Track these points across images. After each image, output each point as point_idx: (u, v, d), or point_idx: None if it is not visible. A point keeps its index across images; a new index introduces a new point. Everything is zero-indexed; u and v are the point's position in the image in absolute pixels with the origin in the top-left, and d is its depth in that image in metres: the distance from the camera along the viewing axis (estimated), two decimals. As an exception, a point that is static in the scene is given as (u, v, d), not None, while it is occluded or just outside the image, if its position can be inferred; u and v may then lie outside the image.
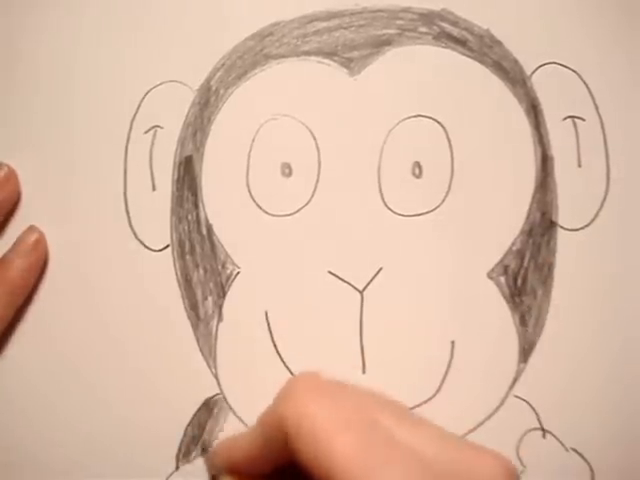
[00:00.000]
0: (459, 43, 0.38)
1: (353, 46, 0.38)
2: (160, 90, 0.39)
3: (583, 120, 0.38)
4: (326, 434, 0.25)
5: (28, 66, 0.39)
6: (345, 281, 0.37)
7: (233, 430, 0.36)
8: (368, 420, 0.27)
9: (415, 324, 0.37)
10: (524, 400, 0.37)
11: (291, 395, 0.27)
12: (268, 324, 0.37)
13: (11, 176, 0.38)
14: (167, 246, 0.38)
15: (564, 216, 0.38)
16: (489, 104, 0.38)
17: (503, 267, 0.37)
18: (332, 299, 0.37)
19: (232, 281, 0.38)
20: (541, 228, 0.38)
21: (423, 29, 0.38)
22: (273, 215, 0.38)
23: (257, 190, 0.38)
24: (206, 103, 0.38)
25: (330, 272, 0.37)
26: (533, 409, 0.37)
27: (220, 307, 0.38)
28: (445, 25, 0.38)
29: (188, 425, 0.37)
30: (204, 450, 0.32)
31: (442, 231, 0.37)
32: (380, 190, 0.38)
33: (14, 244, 0.38)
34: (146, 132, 0.38)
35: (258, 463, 0.29)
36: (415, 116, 0.38)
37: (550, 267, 0.37)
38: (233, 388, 0.37)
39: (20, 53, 0.39)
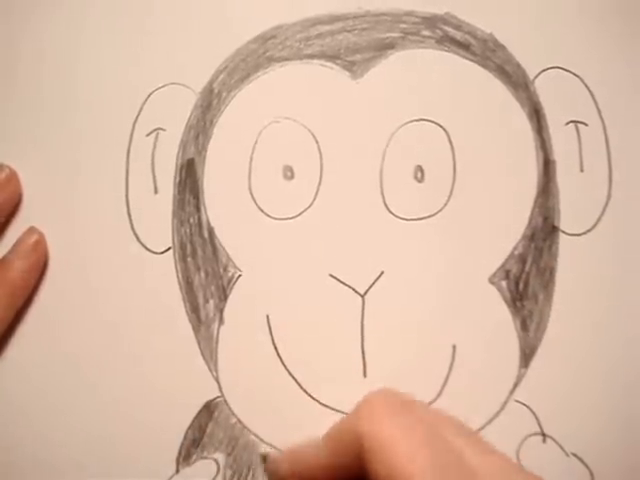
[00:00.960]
0: (462, 47, 0.38)
1: (356, 49, 0.38)
2: (162, 92, 0.38)
3: (585, 125, 0.38)
4: (404, 455, 0.25)
5: (30, 68, 0.39)
6: (346, 285, 0.37)
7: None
8: (442, 442, 0.27)
9: (416, 328, 0.37)
10: (525, 405, 0.37)
11: (369, 412, 0.27)
12: (269, 327, 0.37)
13: (12, 177, 0.38)
14: (169, 249, 0.38)
15: (566, 221, 0.38)
16: (492, 108, 0.38)
17: (505, 272, 0.37)
18: (333, 303, 0.37)
19: (233, 284, 0.38)
20: (543, 233, 0.38)
21: (426, 33, 0.38)
22: (275, 218, 0.38)
23: (259, 193, 0.38)
24: (208, 106, 0.38)
25: (331, 276, 0.37)
26: (534, 414, 0.37)
27: (221, 310, 0.38)
28: (448, 29, 0.38)
29: (188, 428, 0.37)
30: (264, 458, 0.32)
31: (444, 235, 0.37)
32: (382, 194, 0.38)
33: (14, 245, 0.38)
34: (148, 134, 0.38)
35: (323, 476, 0.29)
36: (417, 120, 0.38)
37: (552, 272, 0.37)
38: (234, 391, 0.37)
39: (22, 54, 0.39)
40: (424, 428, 0.27)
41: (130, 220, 0.38)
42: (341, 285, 0.37)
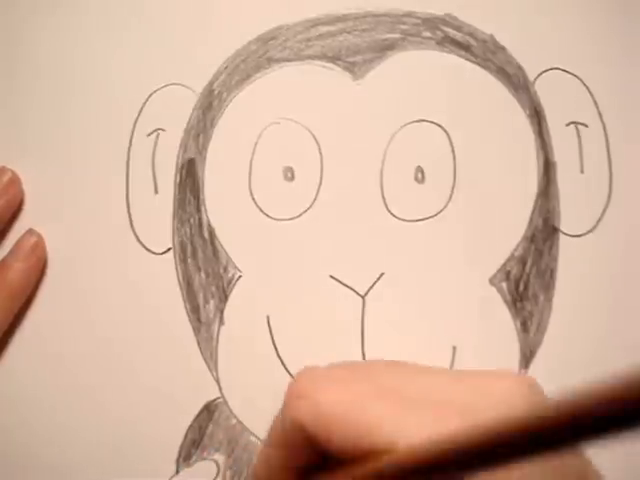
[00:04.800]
0: (462, 48, 0.38)
1: (356, 50, 0.38)
2: (163, 93, 0.38)
3: (586, 126, 0.38)
4: (351, 412, 0.26)
5: (30, 69, 0.39)
6: (347, 286, 0.37)
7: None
8: (381, 387, 0.27)
9: (417, 329, 0.37)
10: (525, 406, 0.37)
11: (300, 397, 0.27)
12: (269, 328, 0.37)
13: (15, 180, 0.38)
14: (169, 249, 0.38)
15: (566, 222, 0.38)
16: (492, 109, 0.38)
17: (505, 273, 0.37)
18: (334, 304, 0.37)
19: (234, 285, 0.38)
20: (543, 234, 0.38)
21: (427, 34, 0.38)
22: (275, 219, 0.38)
23: (259, 194, 0.38)
24: (209, 106, 0.38)
25: (332, 277, 0.37)
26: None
27: (221, 311, 0.38)
28: (449, 30, 0.38)
29: (188, 429, 0.37)
30: None
31: (444, 236, 0.37)
32: (382, 195, 0.38)
33: (13, 247, 0.38)
34: (149, 135, 0.38)
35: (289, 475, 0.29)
36: (418, 121, 0.38)
37: (552, 273, 0.37)
38: (234, 392, 0.37)
39: (22, 55, 0.39)
40: (360, 381, 0.27)
41: (130, 220, 0.38)
42: (341, 286, 0.37)
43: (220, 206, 0.38)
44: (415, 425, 0.25)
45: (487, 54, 0.38)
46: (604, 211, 0.37)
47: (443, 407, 0.26)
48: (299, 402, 0.27)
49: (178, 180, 0.38)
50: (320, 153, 0.38)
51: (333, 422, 0.26)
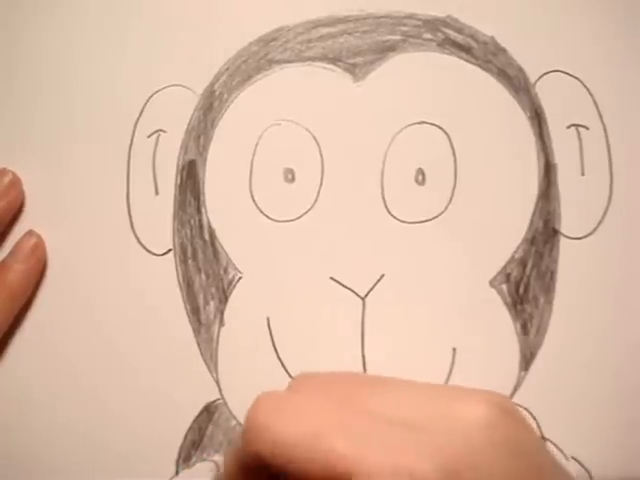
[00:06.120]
0: (463, 50, 0.38)
1: (357, 52, 0.38)
2: (164, 94, 0.38)
3: (587, 128, 0.38)
4: (310, 445, 0.26)
5: (31, 70, 0.39)
6: (347, 287, 0.37)
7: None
8: (345, 414, 0.27)
9: (417, 331, 0.37)
10: (525, 408, 0.37)
11: (258, 427, 0.27)
12: (269, 330, 0.37)
13: (15, 182, 0.38)
14: (169, 250, 0.38)
15: (567, 224, 0.38)
16: (493, 111, 0.38)
17: (505, 275, 0.37)
18: (334, 305, 0.37)
19: (234, 286, 0.38)
20: (544, 236, 0.38)
21: (427, 35, 0.38)
22: (276, 221, 0.38)
23: (260, 195, 0.38)
24: (210, 107, 0.38)
25: (332, 278, 0.37)
26: (534, 417, 0.37)
27: (222, 312, 0.38)
28: (449, 32, 0.38)
29: (188, 430, 0.37)
30: None
31: (444, 238, 0.37)
32: (383, 196, 0.38)
33: (12, 249, 0.38)
34: (149, 136, 0.38)
35: None
36: (419, 123, 0.38)
37: (552, 275, 0.37)
38: (234, 393, 0.37)
39: (23, 56, 0.39)
40: (322, 403, 0.27)
41: (131, 222, 0.38)
42: (342, 288, 0.37)
43: (221, 207, 0.38)
44: (374, 461, 0.25)
45: (488, 56, 0.38)
46: (605, 213, 0.37)
47: (406, 435, 0.26)
48: (258, 433, 0.27)
49: (179, 181, 0.38)
50: (321, 155, 0.38)
51: (292, 454, 0.26)
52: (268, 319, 0.37)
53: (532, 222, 0.38)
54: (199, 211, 0.38)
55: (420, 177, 0.38)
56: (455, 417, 0.26)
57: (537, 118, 0.38)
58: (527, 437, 0.28)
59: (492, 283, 0.37)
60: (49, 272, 0.38)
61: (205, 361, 0.37)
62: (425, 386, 0.29)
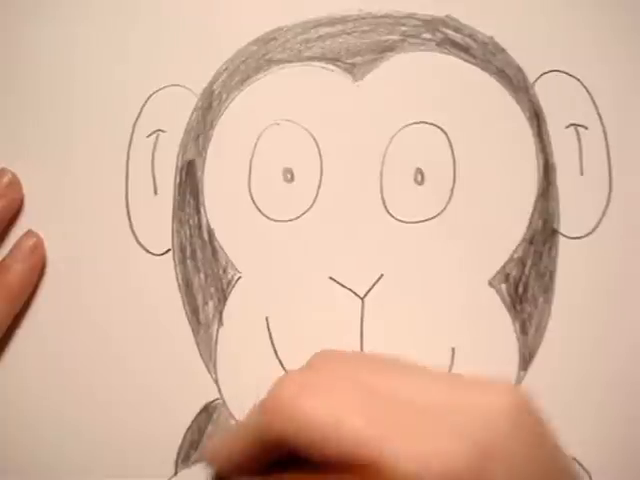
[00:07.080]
0: (462, 50, 0.38)
1: (356, 52, 0.38)
2: (163, 94, 0.38)
3: (586, 128, 0.38)
4: (335, 424, 0.25)
5: (30, 70, 0.39)
6: (346, 287, 0.37)
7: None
8: (369, 394, 0.26)
9: (416, 331, 0.37)
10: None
11: (282, 406, 0.27)
12: (269, 329, 0.37)
13: (15, 182, 0.38)
14: (168, 250, 0.38)
15: (566, 224, 0.38)
16: (492, 111, 0.38)
17: (504, 275, 0.37)
18: (333, 305, 0.37)
19: (233, 286, 0.38)
20: (543, 236, 0.38)
21: (427, 35, 0.38)
22: (275, 220, 0.38)
23: (259, 195, 0.38)
24: (209, 107, 0.38)
25: (331, 278, 0.37)
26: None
27: (221, 312, 0.38)
28: (449, 32, 0.38)
29: (187, 430, 0.37)
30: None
31: (443, 238, 0.37)
32: (382, 196, 0.38)
33: (12, 249, 0.38)
34: (148, 136, 0.38)
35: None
36: (418, 122, 0.38)
37: (551, 275, 0.37)
38: (233, 393, 0.37)
39: (22, 56, 0.39)
40: (342, 388, 0.26)
41: (130, 221, 0.38)
42: (341, 287, 0.37)
43: (219, 207, 0.38)
44: (400, 441, 0.25)
45: (487, 56, 0.38)
46: (603, 213, 0.37)
47: (432, 420, 0.25)
48: (281, 412, 0.27)
49: (178, 181, 0.38)
50: (320, 154, 0.38)
51: (316, 435, 0.26)
52: (267, 319, 0.37)
53: (531, 222, 0.38)
54: (198, 211, 0.38)
55: (419, 177, 0.38)
56: (482, 404, 0.26)
57: (536, 118, 0.38)
58: (546, 428, 0.28)
59: (491, 283, 0.37)
60: (48, 272, 0.38)
61: (204, 361, 0.38)
62: (446, 373, 0.28)
